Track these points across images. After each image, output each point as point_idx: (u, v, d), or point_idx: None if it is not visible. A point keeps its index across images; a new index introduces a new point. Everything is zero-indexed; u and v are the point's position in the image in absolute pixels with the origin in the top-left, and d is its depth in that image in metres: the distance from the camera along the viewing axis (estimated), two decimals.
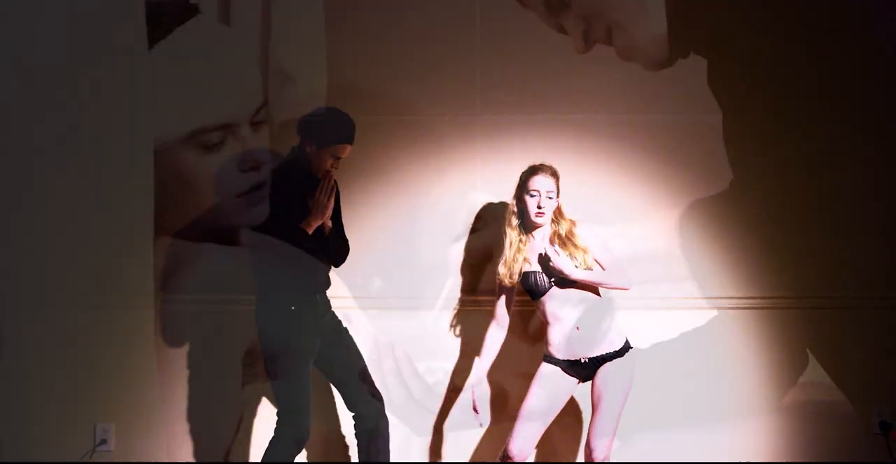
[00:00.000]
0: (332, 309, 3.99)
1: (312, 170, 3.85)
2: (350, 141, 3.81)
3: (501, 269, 3.90)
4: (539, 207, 3.87)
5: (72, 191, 3.76)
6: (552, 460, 3.95)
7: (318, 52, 3.87)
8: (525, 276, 3.85)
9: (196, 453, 4.17)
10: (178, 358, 4.08)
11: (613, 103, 4.13)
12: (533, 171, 3.87)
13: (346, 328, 4.02)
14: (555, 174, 3.90)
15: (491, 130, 4.23)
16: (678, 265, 4.15)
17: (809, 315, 4.17)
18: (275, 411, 3.88)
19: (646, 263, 4.12)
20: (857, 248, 4.16)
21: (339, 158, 3.87)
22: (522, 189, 3.91)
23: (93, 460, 4.08)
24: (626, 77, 4.11)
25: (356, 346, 4.01)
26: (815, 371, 4.17)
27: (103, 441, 4.09)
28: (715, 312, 4.17)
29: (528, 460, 3.94)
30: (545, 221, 3.88)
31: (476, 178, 4.20)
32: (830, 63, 4.11)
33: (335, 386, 4.02)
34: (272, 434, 3.83)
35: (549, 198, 3.85)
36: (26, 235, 3.85)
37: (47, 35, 3.42)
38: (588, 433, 3.83)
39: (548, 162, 4.02)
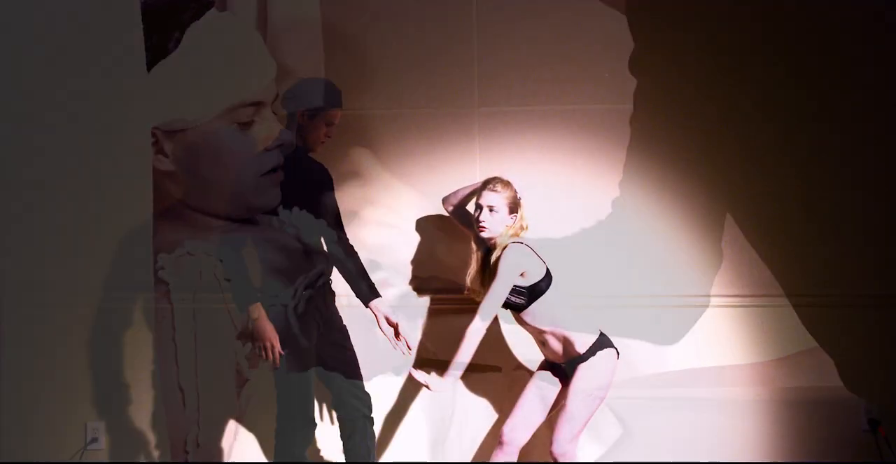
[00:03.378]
0: (335, 305, 4.07)
1: (308, 142, 3.90)
2: (340, 105, 3.93)
3: (467, 281, 3.98)
4: (479, 221, 3.90)
5: (71, 189, 3.83)
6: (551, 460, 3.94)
7: (316, 46, 4.00)
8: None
9: (195, 452, 4.17)
10: (175, 354, 4.12)
11: (613, 95, 4.25)
12: (484, 184, 3.92)
13: (344, 325, 4.08)
14: (507, 189, 3.88)
15: (489, 123, 4.28)
16: (676, 261, 4.22)
17: (800, 313, 4.19)
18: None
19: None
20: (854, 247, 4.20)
21: (332, 125, 3.95)
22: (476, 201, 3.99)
23: (84, 458, 4.02)
24: (626, 68, 4.25)
25: (352, 345, 4.07)
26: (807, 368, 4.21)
27: (94, 440, 4.02)
28: (707, 310, 4.20)
29: (520, 443, 3.93)
30: (488, 235, 3.91)
31: (475, 171, 4.21)
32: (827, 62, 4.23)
33: (324, 383, 4.06)
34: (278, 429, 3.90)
35: (492, 212, 3.85)
36: (25, 234, 3.94)
37: (49, 32, 3.50)
38: (552, 436, 3.85)
39: (547, 154, 4.06)
